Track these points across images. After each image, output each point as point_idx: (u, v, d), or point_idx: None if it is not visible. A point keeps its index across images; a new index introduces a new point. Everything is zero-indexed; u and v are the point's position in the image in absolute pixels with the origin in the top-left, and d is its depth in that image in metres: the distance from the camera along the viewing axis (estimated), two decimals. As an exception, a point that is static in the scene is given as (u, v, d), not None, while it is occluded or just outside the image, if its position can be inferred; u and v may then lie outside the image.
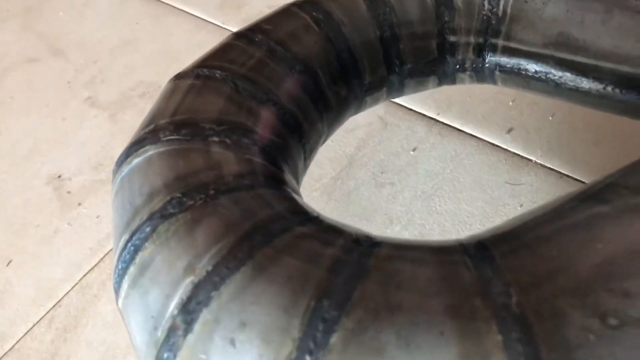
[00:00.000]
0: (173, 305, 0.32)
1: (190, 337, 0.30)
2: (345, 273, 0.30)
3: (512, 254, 0.30)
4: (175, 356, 0.31)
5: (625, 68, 0.44)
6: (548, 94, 0.49)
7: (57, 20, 0.92)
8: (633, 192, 0.33)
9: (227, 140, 0.39)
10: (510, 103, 0.63)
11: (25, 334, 0.59)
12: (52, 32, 0.91)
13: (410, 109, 0.66)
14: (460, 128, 0.63)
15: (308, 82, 0.46)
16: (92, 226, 0.66)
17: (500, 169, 0.58)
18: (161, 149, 0.39)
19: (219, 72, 0.44)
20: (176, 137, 0.39)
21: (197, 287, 0.31)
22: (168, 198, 0.36)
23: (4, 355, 0.58)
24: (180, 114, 0.41)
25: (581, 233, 0.31)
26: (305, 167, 0.47)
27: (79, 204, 0.68)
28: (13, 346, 0.58)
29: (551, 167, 0.57)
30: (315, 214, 0.37)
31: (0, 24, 0.95)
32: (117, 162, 0.41)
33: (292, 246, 0.32)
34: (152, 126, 0.41)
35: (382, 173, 0.61)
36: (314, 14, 0.48)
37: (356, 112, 0.53)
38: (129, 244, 0.36)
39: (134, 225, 0.36)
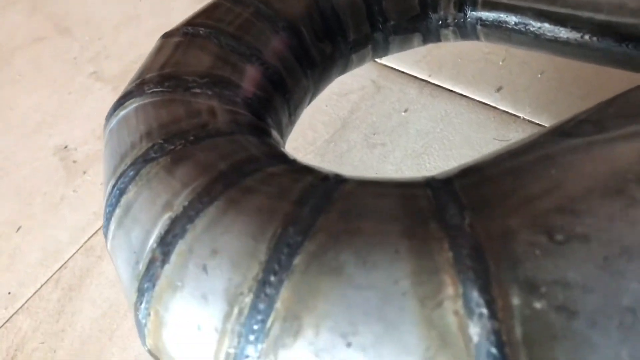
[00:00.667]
0: (152, 240, 0.34)
1: (167, 267, 0.32)
2: (310, 204, 0.32)
3: (472, 184, 0.31)
4: (154, 285, 0.33)
5: (601, 16, 0.44)
6: (529, 46, 0.50)
7: (64, 0, 0.95)
8: (596, 127, 0.34)
9: (209, 92, 0.41)
10: (501, 63, 0.63)
11: (34, 293, 0.62)
12: (58, 11, 0.93)
13: (403, 72, 0.67)
14: (451, 89, 0.63)
15: (292, 39, 0.48)
16: (96, 192, 0.69)
17: (489, 127, 0.59)
18: (145, 101, 0.41)
19: (205, 29, 0.46)
20: (160, 89, 0.41)
21: (174, 222, 0.33)
22: (150, 144, 0.38)
23: (15, 313, 0.61)
24: (166, 68, 0.43)
25: (539, 164, 0.32)
26: (291, 122, 0.49)
27: (84, 172, 0.70)
28: (22, 305, 0.61)
29: (539, 122, 0.58)
30: (291, 158, 0.39)
31: (10, 6, 0.98)
32: (106, 116, 0.43)
33: (263, 182, 0.34)
34: (139, 80, 0.43)
35: (374, 134, 0.62)
36: (298, -27, 0.50)
37: (344, 71, 0.54)
38: (115, 189, 0.38)
39: (119, 171, 0.38)
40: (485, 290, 0.26)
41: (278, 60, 0.47)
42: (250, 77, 0.44)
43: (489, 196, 0.30)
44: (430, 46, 0.68)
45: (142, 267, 0.34)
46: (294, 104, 0.48)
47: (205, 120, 0.39)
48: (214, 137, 0.38)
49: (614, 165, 0.30)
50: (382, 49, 0.54)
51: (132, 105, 0.41)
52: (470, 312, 0.26)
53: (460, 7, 0.50)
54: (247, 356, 0.29)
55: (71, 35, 0.89)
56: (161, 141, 0.37)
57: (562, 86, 0.60)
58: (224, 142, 0.37)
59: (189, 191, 0.34)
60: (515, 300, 0.26)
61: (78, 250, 0.64)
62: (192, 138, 0.37)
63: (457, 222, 0.29)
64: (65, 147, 0.72)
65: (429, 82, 0.65)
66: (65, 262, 0.63)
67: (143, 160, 0.37)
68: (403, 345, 0.27)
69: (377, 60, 0.68)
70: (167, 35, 0.47)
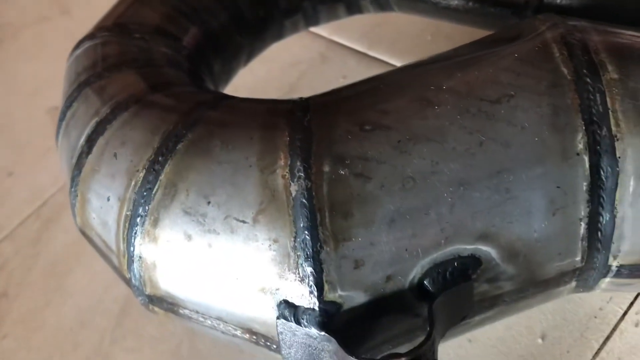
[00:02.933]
0: (83, 139, 0.43)
1: (90, 157, 0.42)
2: (199, 110, 0.41)
3: (323, 97, 0.40)
4: (80, 172, 0.42)
5: (477, -15, 0.53)
6: (432, 15, 0.58)
7: (68, -15, 1.06)
8: (427, 59, 0.42)
9: (147, 37, 0.51)
10: (429, 38, 0.72)
11: (18, 225, 0.72)
12: (62, -6, 1.05)
13: (346, 46, 0.76)
14: (386, 60, 0.72)
15: (228, 3, 0.57)
16: (78, 145, 0.79)
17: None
18: (95, 42, 0.50)
19: (155, -8, 0.55)
20: (107, 33, 0.51)
21: (98, 124, 0.43)
22: (91, 72, 0.47)
23: (1, 241, 0.71)
24: (118, 19, 0.53)
25: (374, 82, 0.41)
26: (225, 71, 0.58)
27: (70, 128, 0.81)
28: (8, 234, 0.71)
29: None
30: (206, 86, 0.48)
31: (21, -10, 1.10)
32: (68, 56, 0.53)
33: (168, 97, 0.43)
34: (95, 27, 0.53)
35: (315, 97, 0.71)
36: (238, -50, 0.59)
37: (280, 35, 0.63)
38: (64, 106, 0.47)
39: (68, 93, 0.48)
40: (306, 161, 0.35)
41: (215, 20, 0.56)
42: (186, 31, 0.54)
43: (330, 103, 0.39)
44: (372, 24, 0.77)
45: (74, 159, 0.43)
46: (227, 57, 0.57)
47: (135, 55, 0.48)
48: (142, 67, 0.47)
49: (423, 80, 0.38)
50: (312, 18, 0.63)
51: (85, 45, 0.51)
52: (293, 175, 0.35)
53: (373, -19, 0.59)
54: (139, 215, 0.38)
55: (72, 15, 1.00)
56: (100, 70, 0.47)
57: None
58: (148, 70, 0.47)
59: (112, 102, 0.43)
60: (326, 168, 0.35)
61: (58, 190, 0.74)
62: (124, 67, 0.47)
63: (300, 119, 0.38)
64: (57, 107, 0.82)
65: (367, 55, 0.74)
66: (47, 200, 0.73)
67: (85, 84, 0.47)
68: (245, 200, 0.36)
69: (326, 35, 0.78)
70: (124, -4, 0.57)
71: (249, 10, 0.58)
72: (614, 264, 0.38)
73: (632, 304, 0.47)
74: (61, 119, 0.47)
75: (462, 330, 0.40)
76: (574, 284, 0.40)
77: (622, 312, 0.47)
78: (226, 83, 0.60)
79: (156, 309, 0.41)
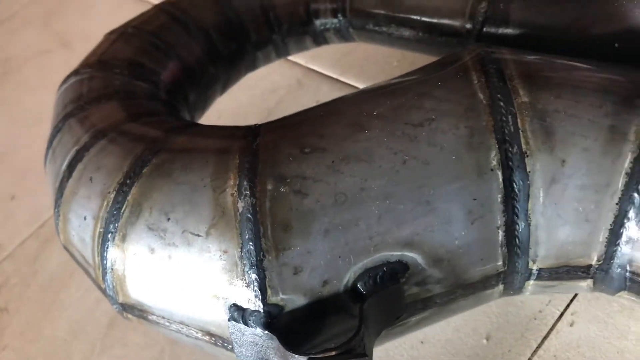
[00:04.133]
0: (65, 165, 0.48)
1: (70, 181, 0.47)
2: (166, 136, 0.46)
3: (273, 123, 0.45)
4: (62, 195, 0.48)
5: (425, 18, 0.58)
6: (388, 44, 0.63)
7: (68, 19, 1.13)
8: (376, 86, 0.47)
9: (126, 72, 0.56)
10: (395, 64, 0.77)
11: (18, 245, 0.78)
12: (63, 29, 1.11)
13: (320, 73, 0.81)
14: (356, 85, 0.77)
15: (202, 38, 0.63)
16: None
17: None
18: (79, 77, 0.56)
19: (134, 29, 0.61)
20: (90, 69, 0.56)
21: (77, 152, 0.48)
22: (75, 105, 0.53)
23: (3, 260, 0.77)
24: (101, 56, 0.59)
25: (318, 109, 0.46)
26: (202, 100, 0.63)
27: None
28: (9, 254, 0.77)
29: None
30: (183, 116, 0.54)
31: (27, 24, 1.17)
32: (59, 86, 0.58)
33: (143, 125, 0.48)
34: (80, 65, 0.58)
35: (291, 121, 0.76)
36: (212, -11, 0.65)
37: (253, 66, 0.69)
38: (50, 136, 0.53)
39: (54, 124, 0.53)
40: (252, 181, 0.40)
41: (189, 54, 0.62)
42: (163, 65, 0.59)
43: (277, 129, 0.44)
44: (344, 52, 0.82)
45: (57, 184, 0.49)
46: (203, 88, 0.63)
47: (115, 89, 0.54)
48: (121, 100, 0.53)
49: (357, 107, 0.43)
50: (283, 49, 0.68)
51: (71, 80, 0.56)
52: (240, 194, 0.40)
53: (334, 15, 0.64)
54: (110, 232, 0.43)
55: (72, 49, 1.07)
56: (83, 103, 0.53)
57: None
58: (127, 103, 0.52)
59: (91, 132, 0.49)
60: (269, 187, 0.40)
61: (55, 212, 0.79)
62: (104, 100, 0.52)
63: (249, 143, 0.43)
64: (56, 135, 0.87)
65: (339, 80, 0.79)
66: (45, 221, 0.79)
67: (69, 115, 0.52)
68: (200, 216, 0.41)
69: (303, 63, 0.83)
70: (110, 33, 0.62)
71: (222, 44, 0.64)
72: (534, 267, 0.42)
73: (568, 306, 0.52)
74: (48, 147, 0.53)
75: (402, 330, 0.45)
76: (501, 286, 0.44)
77: (559, 313, 0.51)
78: (203, 111, 0.65)
79: (129, 316, 0.46)
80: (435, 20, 0.58)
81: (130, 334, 0.63)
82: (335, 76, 0.80)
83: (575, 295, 0.52)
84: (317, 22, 0.65)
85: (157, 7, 0.64)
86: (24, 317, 0.70)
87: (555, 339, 0.50)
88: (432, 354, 0.52)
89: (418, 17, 0.59)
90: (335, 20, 0.64)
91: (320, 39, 0.67)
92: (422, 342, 0.53)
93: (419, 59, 0.77)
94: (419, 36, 0.59)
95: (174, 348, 0.60)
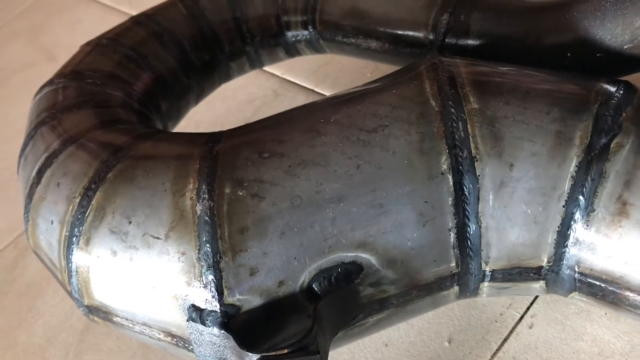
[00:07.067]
0: (34, 172, 0.50)
1: (39, 187, 0.48)
2: (132, 143, 0.47)
3: (235, 130, 0.47)
4: (31, 200, 0.49)
5: (390, 29, 0.60)
6: (357, 56, 0.65)
7: (54, 33, 1.15)
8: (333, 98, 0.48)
9: (98, 82, 0.58)
10: (369, 75, 0.79)
11: (-2, 253, 0.79)
12: (49, 43, 1.13)
13: (297, 84, 0.83)
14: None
15: (176, 50, 0.64)
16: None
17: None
18: (53, 87, 0.57)
19: (108, 41, 0.63)
20: (64, 79, 0.58)
21: (47, 158, 0.49)
22: (48, 113, 0.54)
23: (-19, 269, 0.78)
24: (76, 67, 0.60)
25: (278, 117, 0.47)
26: (176, 109, 0.65)
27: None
28: (-12, 263, 0.78)
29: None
30: (155, 124, 0.55)
31: (16, 37, 1.18)
32: (34, 96, 0.60)
33: (111, 132, 0.50)
34: (55, 75, 0.60)
35: (267, 130, 0.77)
36: (187, 2, 0.66)
37: (227, 77, 0.70)
38: (23, 145, 0.54)
39: (27, 132, 0.54)
40: (210, 185, 0.41)
41: (162, 65, 0.63)
42: (136, 75, 0.61)
43: (238, 135, 0.46)
44: (319, 63, 0.84)
45: (28, 189, 0.50)
46: (175, 98, 0.64)
47: (87, 98, 0.55)
48: (92, 108, 0.54)
49: (316, 115, 0.45)
50: (256, 60, 0.70)
51: (45, 90, 0.58)
52: (199, 197, 0.41)
53: (305, 27, 0.66)
54: (75, 235, 0.44)
55: (57, 62, 1.08)
56: (55, 112, 0.54)
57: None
58: (99, 111, 0.54)
59: (61, 139, 0.50)
60: (227, 190, 0.41)
61: (35, 221, 0.80)
62: (75, 109, 0.54)
63: (210, 148, 0.44)
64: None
65: (315, 91, 0.81)
66: (24, 231, 0.80)
67: (41, 123, 0.53)
68: (160, 219, 0.42)
69: (279, 74, 0.85)
70: (85, 44, 0.64)
71: (195, 55, 0.65)
72: (487, 269, 0.44)
73: (528, 308, 0.53)
74: (20, 155, 0.54)
75: (361, 331, 0.46)
76: (456, 288, 0.45)
77: (519, 316, 0.52)
78: (177, 120, 0.66)
79: (95, 318, 0.47)
80: (399, 32, 0.59)
81: (104, 340, 0.64)
82: (310, 87, 0.81)
83: (536, 298, 0.53)
84: (289, 34, 0.67)
85: (131, 20, 0.65)
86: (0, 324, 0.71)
87: (515, 341, 0.51)
88: (395, 356, 0.53)
89: (383, 29, 0.60)
90: (305, 32, 0.66)
91: (292, 51, 0.69)
92: (386, 345, 0.54)
93: (391, 70, 0.78)
94: (385, 47, 0.61)
95: (145, 352, 0.61)
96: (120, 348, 0.63)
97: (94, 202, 0.44)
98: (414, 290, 0.44)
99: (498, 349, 0.51)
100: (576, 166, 0.41)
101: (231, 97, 0.83)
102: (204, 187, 0.42)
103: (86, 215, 0.44)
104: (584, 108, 0.42)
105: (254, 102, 0.83)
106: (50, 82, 0.58)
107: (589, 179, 0.41)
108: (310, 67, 0.83)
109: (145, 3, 0.70)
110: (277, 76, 0.84)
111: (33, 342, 0.67)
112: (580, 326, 0.51)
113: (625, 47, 0.45)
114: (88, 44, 0.64)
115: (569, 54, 0.49)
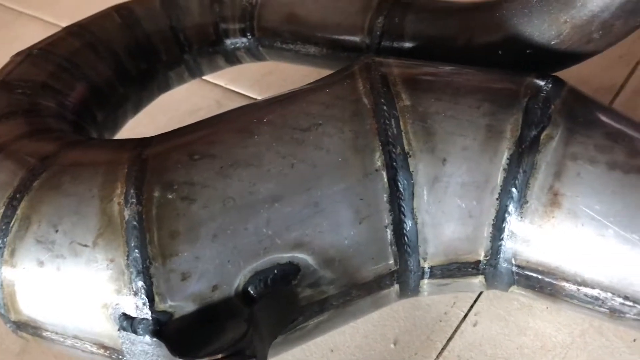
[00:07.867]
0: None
1: None
2: (59, 150, 0.46)
3: (165, 135, 0.46)
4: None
5: (327, 34, 0.60)
6: (297, 62, 0.65)
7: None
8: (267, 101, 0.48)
9: (28, 91, 0.56)
10: (312, 82, 0.79)
11: None
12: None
13: (240, 93, 0.82)
14: (276, 105, 0.79)
15: (111, 60, 0.63)
16: None
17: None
18: (-21, 98, 0.55)
19: (40, 51, 0.61)
20: (-8, 90, 0.56)
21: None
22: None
23: None
24: (6, 77, 0.58)
25: (212, 119, 0.46)
26: (112, 119, 0.63)
27: None
28: None
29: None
30: (87, 133, 0.54)
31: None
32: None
33: (38, 140, 0.48)
34: (-17, 87, 0.58)
35: (210, 141, 0.76)
36: (122, 12, 0.65)
37: (167, 86, 0.69)
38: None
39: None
40: (138, 189, 0.40)
41: (97, 75, 0.61)
42: (70, 85, 0.59)
43: (169, 139, 0.45)
44: (263, 72, 0.84)
45: None
46: (112, 108, 0.63)
47: (16, 109, 0.53)
48: (21, 118, 0.52)
49: (249, 115, 0.44)
50: (195, 69, 0.69)
51: (-29, 100, 0.56)
52: (126, 202, 0.40)
53: (243, 34, 0.65)
54: (0, 247, 0.42)
55: None
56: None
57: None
58: (28, 121, 0.52)
59: (-15, 150, 0.48)
60: (156, 194, 0.40)
61: None
62: (3, 119, 0.52)
63: (139, 153, 0.43)
64: None
65: (259, 100, 0.80)
66: None
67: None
68: (87, 226, 0.40)
69: (223, 84, 0.84)
70: (16, 55, 0.62)
71: (131, 65, 0.64)
72: (426, 265, 0.44)
73: (472, 306, 0.53)
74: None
75: (302, 335, 0.45)
76: (397, 286, 0.45)
77: (463, 314, 0.52)
78: (114, 130, 0.65)
79: (24, 334, 0.45)
80: (337, 37, 0.59)
81: (41, 361, 0.61)
82: (254, 96, 0.81)
83: (479, 296, 0.53)
84: (228, 42, 0.67)
85: (65, 30, 0.64)
86: None
87: (460, 339, 0.51)
88: (342, 361, 0.53)
89: (321, 34, 0.60)
90: (244, 40, 0.66)
91: (232, 59, 0.68)
92: (332, 350, 0.53)
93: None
94: (324, 52, 0.61)
95: (85, 372, 0.59)
96: (58, 369, 0.60)
97: (19, 211, 0.42)
98: (353, 290, 0.43)
99: (443, 348, 0.51)
100: (508, 159, 0.41)
101: (174, 109, 0.82)
102: (132, 191, 0.40)
103: (11, 225, 0.42)
104: (514, 102, 0.43)
105: (197, 112, 0.81)
106: (-21, 94, 0.56)
107: (521, 171, 0.41)
108: (253, 76, 0.82)
109: (86, 17, 0.69)
110: (221, 86, 0.84)
111: (-35, 368, 0.64)
112: (523, 321, 0.51)
113: (553, 42, 0.46)
114: (19, 54, 0.62)
115: (500, 52, 0.50)
